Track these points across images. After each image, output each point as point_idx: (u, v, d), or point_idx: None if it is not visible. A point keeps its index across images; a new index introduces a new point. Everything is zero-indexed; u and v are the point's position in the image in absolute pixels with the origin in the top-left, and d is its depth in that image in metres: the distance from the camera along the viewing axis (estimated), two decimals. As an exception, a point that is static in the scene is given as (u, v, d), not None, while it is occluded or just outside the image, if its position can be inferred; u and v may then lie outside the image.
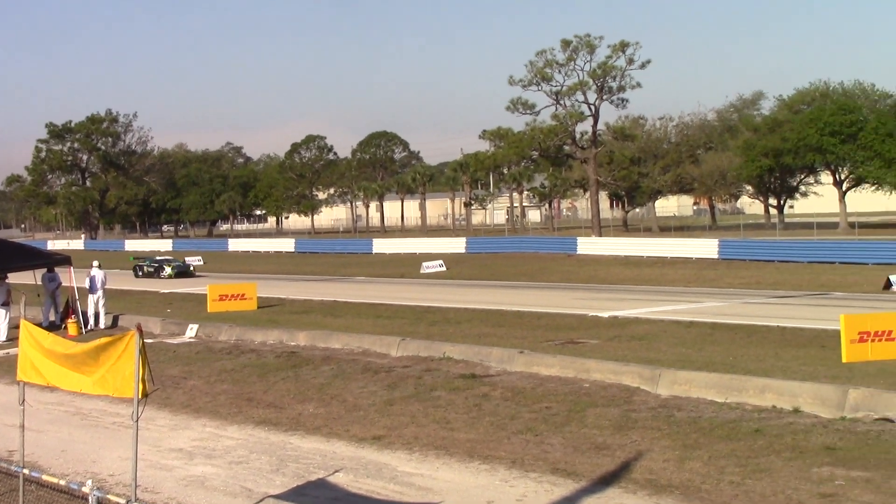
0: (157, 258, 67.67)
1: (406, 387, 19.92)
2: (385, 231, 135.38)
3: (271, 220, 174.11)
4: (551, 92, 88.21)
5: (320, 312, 35.13)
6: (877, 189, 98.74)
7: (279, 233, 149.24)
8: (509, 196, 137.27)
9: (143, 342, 11.07)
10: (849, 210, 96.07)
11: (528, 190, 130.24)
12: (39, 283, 34.52)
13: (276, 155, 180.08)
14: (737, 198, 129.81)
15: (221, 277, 54.36)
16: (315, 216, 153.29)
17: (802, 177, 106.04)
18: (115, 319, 34.15)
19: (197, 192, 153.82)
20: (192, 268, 64.60)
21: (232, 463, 15.18)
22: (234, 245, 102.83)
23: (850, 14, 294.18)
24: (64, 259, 34.71)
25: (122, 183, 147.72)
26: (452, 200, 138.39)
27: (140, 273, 63.32)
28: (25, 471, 11.59)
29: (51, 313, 34.16)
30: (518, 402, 17.97)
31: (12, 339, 29.14)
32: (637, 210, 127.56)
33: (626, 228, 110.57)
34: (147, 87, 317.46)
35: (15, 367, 12.93)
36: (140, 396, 11.11)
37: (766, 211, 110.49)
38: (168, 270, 61.57)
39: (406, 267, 63.22)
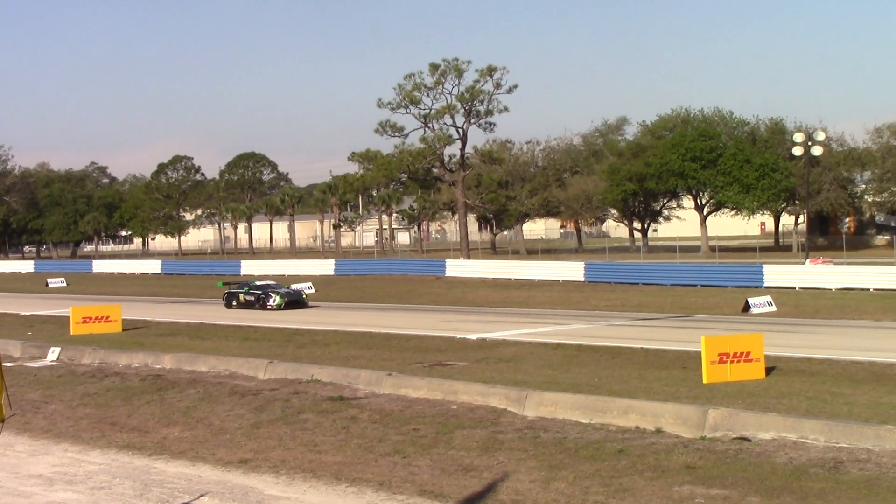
0: (259, 283, 52.28)
1: (273, 409, 19.78)
2: (254, 253, 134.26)
3: (137, 241, 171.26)
4: (420, 115, 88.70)
5: (187, 335, 34.68)
6: (735, 213, 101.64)
7: (145, 254, 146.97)
8: (378, 218, 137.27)
9: (1, 366, 10.83)
10: (710, 234, 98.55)
11: (397, 212, 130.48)
12: None
13: (142, 175, 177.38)
14: (602, 221, 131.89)
15: (86, 299, 53.23)
16: (182, 237, 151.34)
17: (665, 201, 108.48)
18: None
19: (60, 213, 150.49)
20: (304, 295, 52.20)
21: (94, 488, 14.87)
22: (99, 266, 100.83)
23: (709, 43, 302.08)
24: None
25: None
26: (321, 222, 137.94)
27: (234, 303, 49.75)
28: None
29: None
30: (386, 425, 17.97)
31: None
32: (505, 233, 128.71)
33: (494, 251, 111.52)
34: (7, 105, 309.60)
35: None
36: (-2, 422, 10.86)
37: (631, 234, 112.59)
38: (275, 300, 48.40)
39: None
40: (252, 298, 49.03)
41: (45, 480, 15.46)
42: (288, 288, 51.77)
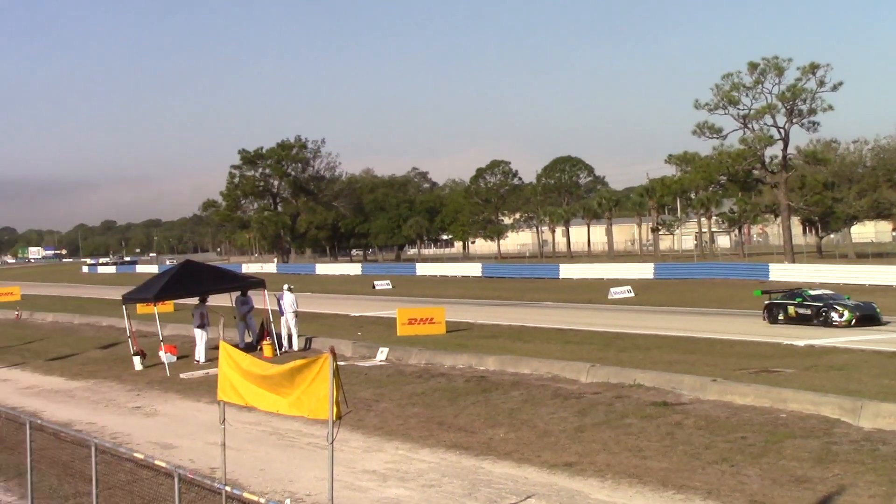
0: (814, 293, 40.46)
1: (597, 413, 19.72)
2: (571, 256, 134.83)
3: (457, 244, 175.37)
4: (738, 115, 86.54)
5: (509, 337, 35.14)
6: None
7: (466, 257, 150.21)
8: (697, 221, 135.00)
9: (337, 365, 11.25)
10: None
11: (716, 215, 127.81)
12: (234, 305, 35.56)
13: (461, 180, 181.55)
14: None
15: (410, 301, 54.93)
16: (501, 241, 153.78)
17: None
18: (309, 342, 34.85)
19: (384, 217, 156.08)
20: (878, 310, 38.46)
21: (424, 486, 15.27)
22: (422, 269, 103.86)
23: None
24: (258, 282, 35.65)
25: (311, 208, 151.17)
26: (639, 226, 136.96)
27: (781, 316, 39.08)
28: (227, 488, 11.86)
29: (246, 335, 35.06)
30: (712, 432, 17.58)
31: (210, 359, 30.11)
32: (832, 236, 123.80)
33: (820, 255, 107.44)
34: (335, 114, 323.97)
35: (214, 387, 13.29)
36: (335, 418, 11.28)
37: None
38: (843, 314, 37.11)
39: (593, 292, 62.75)
40: (808, 312, 38.33)
41: (378, 476, 16.01)
42: (849, 299, 39.67)
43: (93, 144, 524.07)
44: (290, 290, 35.89)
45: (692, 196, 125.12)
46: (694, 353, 28.83)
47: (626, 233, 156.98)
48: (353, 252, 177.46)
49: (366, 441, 18.79)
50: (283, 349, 33.70)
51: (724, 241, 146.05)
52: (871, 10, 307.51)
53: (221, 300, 35.99)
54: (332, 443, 11.53)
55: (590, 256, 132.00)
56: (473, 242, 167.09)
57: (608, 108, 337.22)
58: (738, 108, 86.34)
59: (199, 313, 33.19)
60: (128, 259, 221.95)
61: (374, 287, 78.77)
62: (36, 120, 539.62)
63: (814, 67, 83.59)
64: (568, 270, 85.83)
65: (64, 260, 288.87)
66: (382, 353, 30.55)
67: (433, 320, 37.61)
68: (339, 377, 11.40)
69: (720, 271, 75.66)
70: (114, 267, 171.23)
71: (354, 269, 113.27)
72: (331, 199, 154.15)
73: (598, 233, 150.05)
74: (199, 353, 32.60)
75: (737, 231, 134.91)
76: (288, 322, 34.95)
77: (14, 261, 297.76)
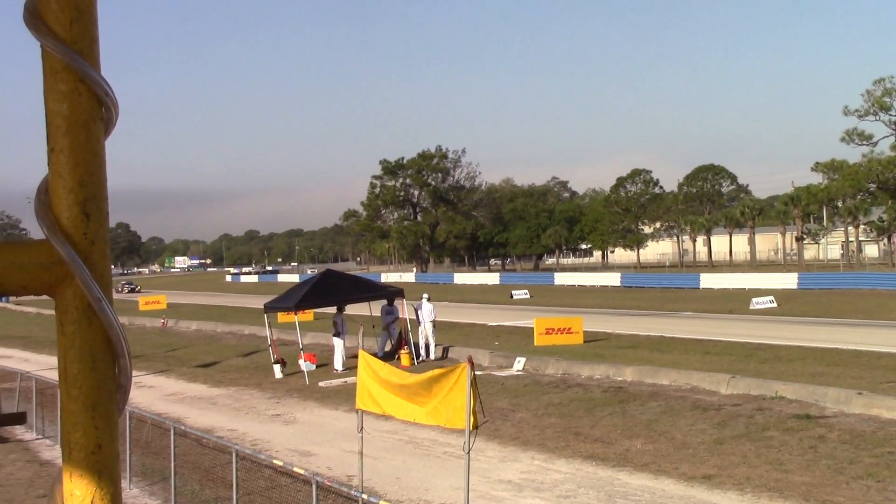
0: None
1: (736, 426, 19.37)
2: (712, 266, 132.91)
3: (596, 254, 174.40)
4: (890, 122, 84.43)
5: (647, 347, 34.77)
6: None
7: (604, 267, 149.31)
8: (844, 230, 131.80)
9: (475, 375, 11.26)
10: None
11: (864, 224, 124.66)
12: (375, 314, 35.90)
13: (601, 189, 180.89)
14: None
15: (548, 311, 54.78)
16: (640, 250, 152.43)
17: None
18: (446, 351, 34.99)
19: (523, 227, 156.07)
20: None
21: (560, 497, 15.18)
22: (560, 279, 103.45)
23: None
24: (397, 292, 35.93)
25: (451, 217, 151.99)
26: (783, 234, 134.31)
27: None
28: (364, 496, 11.98)
29: (387, 344, 35.37)
30: (857, 446, 17.11)
31: (348, 368, 30.46)
32: None
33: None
34: (476, 124, 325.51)
35: (352, 396, 13.44)
36: (471, 428, 11.30)
37: None
38: None
39: (734, 302, 61.71)
40: None
41: (514, 486, 15.97)
42: None
43: (238, 156, 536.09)
44: (428, 299, 36.10)
45: (839, 204, 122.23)
46: (838, 365, 28.11)
47: (769, 242, 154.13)
48: (492, 261, 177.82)
49: (501, 451, 18.77)
50: (421, 358, 33.89)
51: (871, 251, 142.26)
52: None
53: (360, 309, 36.38)
54: (468, 452, 11.56)
55: (731, 266, 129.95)
56: (612, 252, 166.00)
57: (752, 115, 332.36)
58: (890, 114, 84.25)
59: (337, 322, 33.60)
60: (269, 268, 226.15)
61: (511, 296, 78.73)
62: (183, 132, 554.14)
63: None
64: (708, 280, 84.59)
65: (208, 269, 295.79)
66: (519, 363, 30.50)
67: (571, 330, 37.43)
68: (476, 387, 11.43)
69: (867, 281, 73.67)
70: (256, 276, 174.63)
71: (492, 278, 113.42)
72: (470, 209, 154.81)
73: (740, 242, 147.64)
74: (338, 362, 32.99)
75: (886, 240, 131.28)
76: (426, 331, 35.14)
77: (160, 270, 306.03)
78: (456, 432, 12.26)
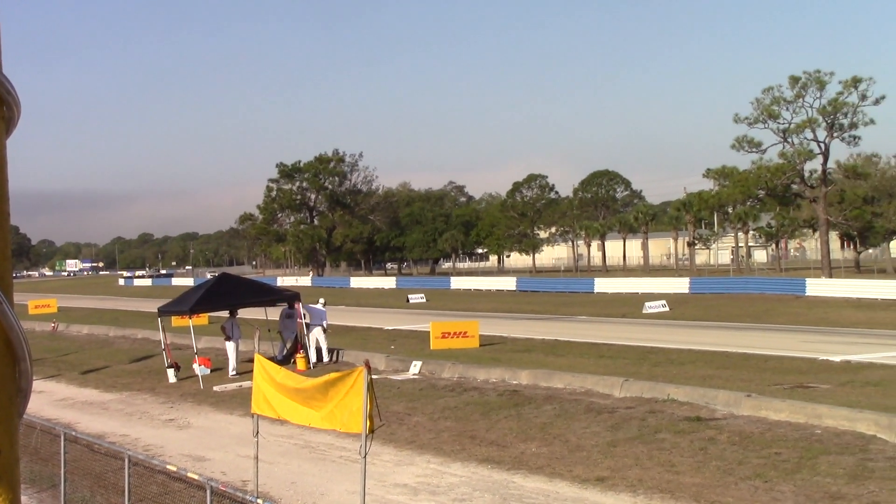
0: None
1: (629, 428, 19.64)
2: (607, 270, 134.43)
3: (493, 258, 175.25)
4: (778, 129, 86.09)
5: (542, 351, 35.06)
6: None
7: (500, 271, 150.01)
8: (734, 236, 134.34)
9: (371, 378, 11.28)
10: None
11: (753, 230, 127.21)
12: (272, 318, 35.65)
13: (497, 194, 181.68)
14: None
15: (444, 315, 54.95)
16: (536, 255, 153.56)
17: None
18: (338, 354, 34.82)
19: (420, 231, 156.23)
20: None
21: (455, 500, 15.25)
22: (457, 283, 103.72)
23: None
24: (293, 295, 35.73)
25: (347, 221, 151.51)
26: (675, 240, 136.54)
27: None
28: (259, 501, 11.92)
29: (284, 348, 35.16)
30: (746, 447, 17.47)
31: (245, 372, 30.22)
32: (870, 251, 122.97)
33: (858, 270, 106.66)
34: (374, 128, 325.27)
35: (248, 400, 13.36)
36: (368, 432, 11.31)
37: None
38: None
39: (628, 307, 62.54)
40: None
41: (409, 490, 16.00)
42: None
43: (131, 158, 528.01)
44: (323, 304, 35.99)
45: (729, 210, 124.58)
46: (728, 368, 28.68)
47: (662, 247, 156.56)
48: (388, 266, 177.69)
49: (397, 455, 18.79)
50: (313, 361, 33.74)
51: (760, 256, 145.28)
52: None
53: (256, 313, 36.11)
54: (364, 456, 11.57)
55: (625, 271, 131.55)
56: (508, 256, 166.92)
57: (646, 122, 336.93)
58: (779, 123, 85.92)
59: (229, 326, 33.28)
60: (164, 272, 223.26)
61: (408, 300, 78.80)
62: (75, 133, 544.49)
63: (856, 81, 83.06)
64: (603, 284, 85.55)
65: (101, 273, 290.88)
66: (415, 367, 30.54)
67: (467, 334, 37.57)
68: (373, 391, 11.45)
69: (756, 286, 75.16)
70: (150, 280, 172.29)
71: (389, 282, 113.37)
72: (367, 213, 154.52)
73: (633, 247, 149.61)
74: (232, 366, 32.70)
75: (774, 246, 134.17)
76: (316, 335, 34.94)
77: (52, 273, 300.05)
78: (352, 436, 12.25)
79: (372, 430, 11.53)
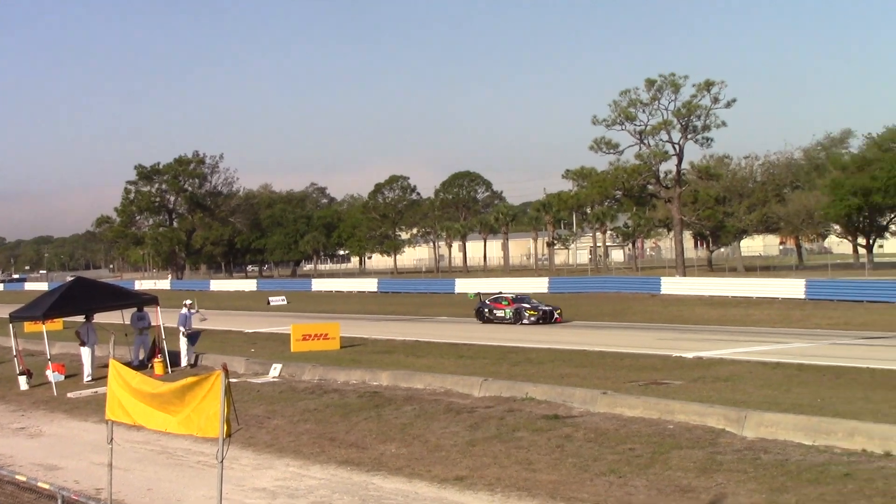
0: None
1: (488, 427, 19.83)
2: (468, 271, 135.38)
3: (354, 260, 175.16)
4: (635, 131, 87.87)
5: (403, 352, 35.17)
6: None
7: (362, 273, 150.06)
8: (592, 236, 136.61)
9: (229, 382, 11.20)
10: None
11: (611, 230, 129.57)
12: (128, 322, 35.01)
13: (359, 195, 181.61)
14: (824, 237, 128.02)
15: (305, 317, 54.73)
16: (398, 256, 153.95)
17: (892, 216, 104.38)
18: (197, 358, 34.40)
19: (281, 233, 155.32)
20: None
21: (315, 503, 15.21)
22: (318, 285, 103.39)
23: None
24: (151, 299, 35.18)
25: (208, 224, 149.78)
26: (535, 240, 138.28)
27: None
28: (112, 509, 11.71)
29: (140, 352, 34.60)
30: (601, 444, 17.79)
31: (100, 378, 29.62)
32: (722, 250, 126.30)
33: (710, 268, 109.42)
34: (234, 130, 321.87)
35: (103, 406, 13.12)
36: (224, 436, 11.22)
37: (855, 250, 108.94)
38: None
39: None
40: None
41: (268, 494, 15.90)
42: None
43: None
44: (189, 307, 35.53)
45: (588, 211, 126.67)
46: (586, 366, 29.18)
47: (522, 247, 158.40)
48: (249, 268, 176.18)
49: (256, 458, 18.65)
50: (184, 365, 33.30)
51: (618, 255, 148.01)
52: (765, 29, 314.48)
53: (113, 318, 35.43)
54: (221, 461, 11.46)
55: (486, 271, 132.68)
56: (370, 258, 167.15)
57: (507, 124, 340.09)
58: (635, 124, 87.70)
59: (84, 331, 32.58)
60: (16, 276, 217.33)
61: (268, 303, 78.33)
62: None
63: (709, 84, 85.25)
64: (464, 285, 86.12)
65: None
66: (276, 370, 30.33)
67: (328, 336, 37.50)
68: (230, 394, 11.35)
69: (613, 285, 76.60)
70: (1, 284, 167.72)
71: (249, 285, 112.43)
72: (227, 215, 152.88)
73: (494, 247, 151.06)
74: (87, 372, 32.01)
75: (631, 245, 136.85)
76: (183, 339, 34.49)
77: None
78: (210, 441, 12.12)
79: (229, 435, 11.44)
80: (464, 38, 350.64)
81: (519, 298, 52.00)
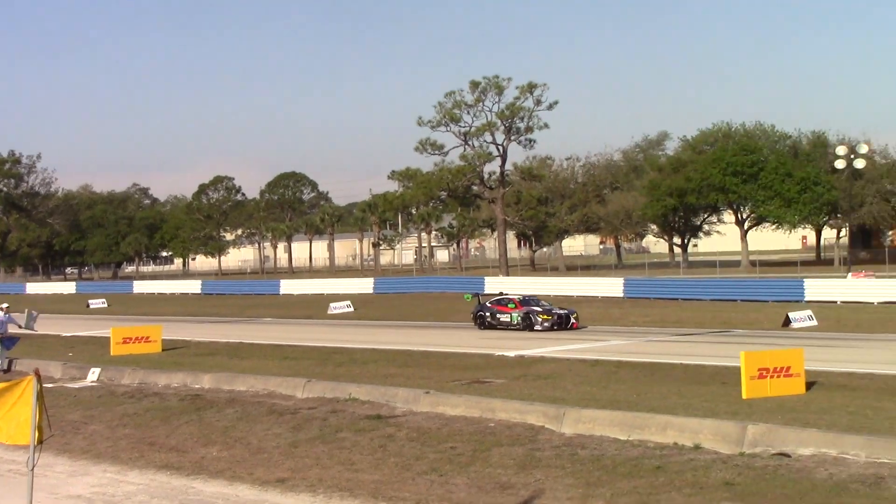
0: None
1: (311, 428, 19.78)
2: (293, 272, 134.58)
3: (178, 261, 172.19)
4: (460, 133, 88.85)
5: (226, 354, 34.79)
6: (776, 228, 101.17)
7: (186, 274, 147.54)
8: (418, 236, 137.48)
9: (41, 387, 10.92)
10: (750, 248, 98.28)
11: (436, 230, 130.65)
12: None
13: (183, 196, 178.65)
14: (642, 237, 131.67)
15: (126, 320, 53.57)
16: (222, 257, 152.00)
17: (706, 216, 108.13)
18: (11, 363, 33.35)
19: (102, 234, 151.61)
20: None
21: (132, 509, 14.95)
22: (140, 287, 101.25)
23: (751, 57, 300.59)
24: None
25: (24, 225, 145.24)
26: (361, 241, 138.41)
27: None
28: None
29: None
30: (423, 443, 17.93)
31: None
32: (544, 249, 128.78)
33: (533, 268, 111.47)
34: (52, 129, 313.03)
35: None
36: (36, 443, 10.94)
37: (671, 250, 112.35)
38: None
39: (314, 308, 62.92)
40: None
41: (84, 501, 15.55)
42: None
43: None
44: (2, 310, 34.39)
45: (413, 211, 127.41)
46: (410, 366, 29.34)
47: (348, 248, 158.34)
48: (69, 270, 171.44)
49: (72, 465, 18.19)
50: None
51: (443, 256, 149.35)
52: (586, 32, 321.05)
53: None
54: (32, 469, 11.19)
55: (311, 272, 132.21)
56: (194, 259, 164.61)
57: (333, 125, 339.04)
58: (460, 126, 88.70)
59: None
60: None
61: (88, 306, 76.50)
62: None
63: (531, 87, 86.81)
64: (289, 286, 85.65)
65: None
66: (94, 374, 29.65)
67: (149, 339, 36.79)
68: (42, 400, 11.08)
69: (438, 285, 77.19)
70: None
71: (68, 287, 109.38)
72: (45, 216, 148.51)
73: (320, 248, 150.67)
74: None
75: (455, 245, 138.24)
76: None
77: None
78: (21, 448, 11.79)
79: (41, 441, 11.17)
80: (288, 37, 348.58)
81: (527, 300, 45.27)
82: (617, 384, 24.10)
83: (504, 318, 43.87)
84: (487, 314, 44.81)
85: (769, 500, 13.22)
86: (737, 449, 16.02)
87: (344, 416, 20.81)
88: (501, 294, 47.52)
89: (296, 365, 30.26)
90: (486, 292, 60.21)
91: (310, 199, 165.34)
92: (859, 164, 74.17)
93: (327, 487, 15.40)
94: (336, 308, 60.52)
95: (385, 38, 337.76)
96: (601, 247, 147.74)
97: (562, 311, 43.66)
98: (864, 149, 76.39)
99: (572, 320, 42.98)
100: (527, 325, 42.66)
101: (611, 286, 64.06)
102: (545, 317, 42.60)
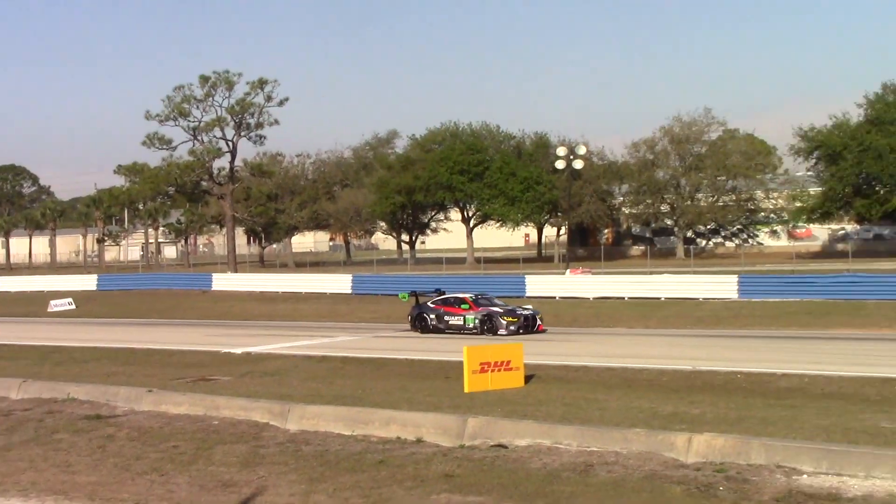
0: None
1: (26, 430, 19.08)
2: (11, 268, 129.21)
3: None
4: (189, 127, 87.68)
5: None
6: (501, 225, 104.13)
7: None
8: (145, 232, 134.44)
9: None
10: (476, 245, 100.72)
11: (164, 226, 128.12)
12: None
13: None
14: (371, 234, 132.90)
15: None
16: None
17: (433, 213, 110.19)
18: None
19: None
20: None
21: None
22: None
23: (477, 59, 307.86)
24: None
25: None
26: (85, 237, 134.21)
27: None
28: None
29: None
30: (144, 442, 17.58)
31: None
32: (274, 246, 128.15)
33: (262, 264, 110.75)
34: None
35: None
36: None
37: (399, 246, 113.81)
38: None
39: (33, 305, 60.75)
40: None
41: None
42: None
43: None
44: None
45: (140, 207, 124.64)
46: (133, 364, 28.76)
47: (72, 244, 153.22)
48: None
49: None
50: None
51: (171, 252, 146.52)
52: (318, 28, 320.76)
53: None
54: None
55: (31, 268, 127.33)
56: None
57: (57, 116, 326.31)
58: (189, 121, 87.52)
59: None
60: None
61: None
62: None
63: (262, 83, 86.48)
64: (6, 283, 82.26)
65: None
66: None
67: None
68: None
69: (165, 282, 75.86)
70: None
71: None
72: None
73: (41, 244, 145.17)
74: None
75: (183, 241, 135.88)
76: None
77: None
78: None
79: None
80: (58, 29, 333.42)
81: (481, 299, 39.47)
82: (343, 380, 24.32)
83: (455, 321, 38.42)
84: (431, 316, 39.10)
85: (486, 490, 13.61)
86: (457, 441, 16.42)
87: (61, 416, 20.18)
88: (441, 292, 41.32)
89: (11, 365, 29.09)
90: (213, 289, 59.40)
91: (30, 193, 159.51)
92: (578, 164, 77.44)
93: (40, 491, 14.89)
94: (57, 305, 58.61)
95: (111, 25, 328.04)
96: (331, 244, 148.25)
97: (527, 312, 38.82)
98: (582, 150, 79.84)
99: (538, 321, 38.45)
100: (487, 328, 37.41)
101: (339, 283, 64.43)
102: (510, 319, 37.57)
